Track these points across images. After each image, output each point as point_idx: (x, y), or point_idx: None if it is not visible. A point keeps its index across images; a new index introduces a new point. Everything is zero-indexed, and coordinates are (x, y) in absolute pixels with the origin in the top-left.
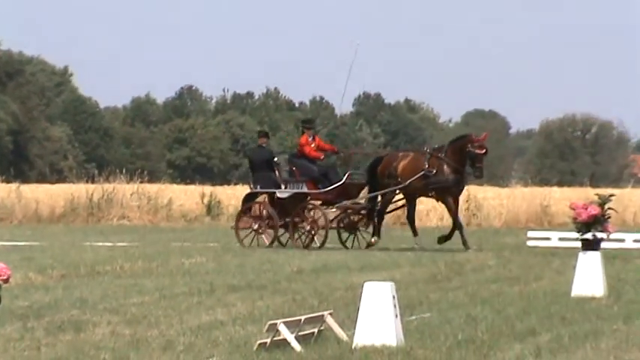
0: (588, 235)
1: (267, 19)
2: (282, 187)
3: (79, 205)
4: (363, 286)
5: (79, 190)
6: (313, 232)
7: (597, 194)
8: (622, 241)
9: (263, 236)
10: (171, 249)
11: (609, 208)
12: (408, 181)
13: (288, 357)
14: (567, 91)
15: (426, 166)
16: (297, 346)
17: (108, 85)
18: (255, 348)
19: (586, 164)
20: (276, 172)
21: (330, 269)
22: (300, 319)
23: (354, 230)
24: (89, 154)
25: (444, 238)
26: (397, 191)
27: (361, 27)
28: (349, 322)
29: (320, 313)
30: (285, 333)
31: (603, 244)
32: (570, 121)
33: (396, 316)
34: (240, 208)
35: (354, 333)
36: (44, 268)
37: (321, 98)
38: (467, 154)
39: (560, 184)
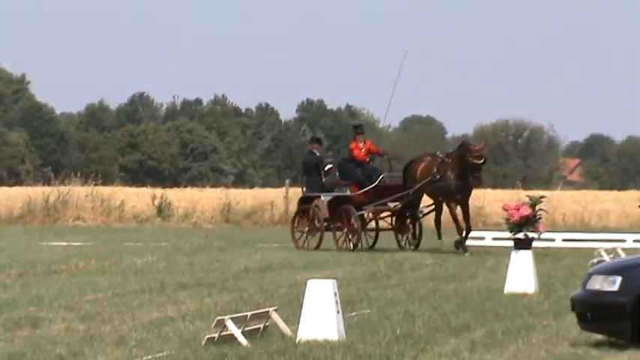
0: (520, 235)
1: (213, 27)
2: (329, 190)
3: (36, 206)
4: (306, 284)
5: (35, 193)
6: (350, 236)
7: (529, 196)
8: (552, 240)
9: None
10: (123, 248)
11: (540, 209)
12: (418, 185)
13: (235, 351)
14: (500, 97)
15: (435, 170)
16: (243, 341)
17: (63, 92)
18: (203, 343)
19: (518, 167)
20: (322, 177)
21: (275, 268)
22: (247, 315)
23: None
24: (45, 158)
25: (459, 243)
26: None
27: (303, 34)
28: (293, 317)
29: (265, 310)
30: (233, 328)
31: (534, 244)
32: (503, 126)
33: (338, 312)
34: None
35: (297, 328)
36: (2, 267)
37: (267, 105)
38: (466, 163)
39: (494, 186)
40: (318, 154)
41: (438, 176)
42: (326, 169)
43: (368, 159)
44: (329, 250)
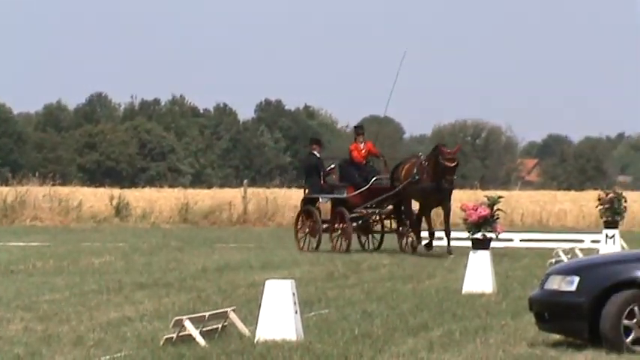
0: (478, 235)
1: (171, 27)
2: (328, 192)
3: None
4: (264, 284)
5: None
6: (343, 238)
7: (487, 196)
8: (510, 240)
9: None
10: (81, 249)
11: (498, 210)
12: (400, 186)
13: (194, 351)
14: (459, 98)
15: (414, 172)
16: (201, 341)
17: (21, 92)
18: (161, 343)
19: (476, 168)
20: (321, 179)
21: (233, 268)
22: (205, 316)
23: (367, 233)
24: (3, 159)
25: (426, 246)
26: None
27: (261, 34)
28: (251, 318)
29: (223, 310)
30: (191, 328)
31: (492, 244)
32: (461, 126)
33: (296, 312)
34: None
35: (255, 328)
36: None
37: (225, 105)
38: (439, 166)
39: None
40: (318, 155)
41: (417, 177)
42: (327, 169)
43: (365, 161)
44: (287, 250)
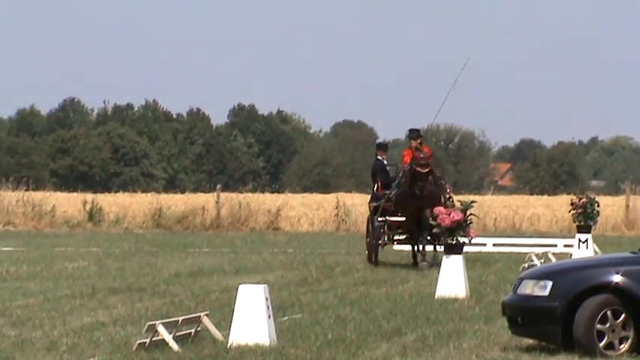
0: (451, 240)
1: (144, 31)
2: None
3: None
4: (237, 289)
5: None
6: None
7: (460, 201)
8: (483, 245)
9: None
10: (54, 253)
11: (471, 214)
12: (392, 193)
13: (167, 356)
14: (431, 103)
15: (400, 176)
16: (175, 346)
17: None
18: (134, 348)
19: (449, 172)
20: (376, 185)
21: (207, 272)
22: (178, 320)
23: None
24: None
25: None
26: None
27: (234, 38)
28: (225, 322)
29: (197, 315)
30: (164, 333)
31: (465, 248)
32: (434, 131)
33: (269, 317)
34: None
35: (229, 333)
36: None
37: (198, 110)
38: (413, 171)
39: None
40: (385, 161)
41: (400, 182)
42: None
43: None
44: (260, 254)
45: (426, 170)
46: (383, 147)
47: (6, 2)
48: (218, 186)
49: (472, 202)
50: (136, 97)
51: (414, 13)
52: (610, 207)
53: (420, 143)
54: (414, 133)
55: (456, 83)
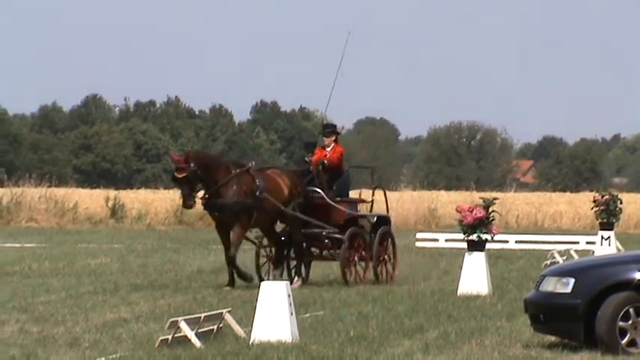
0: (474, 237)
1: (166, 28)
2: None
3: None
4: (259, 286)
5: None
6: None
7: (482, 198)
8: (505, 242)
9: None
10: (77, 250)
11: (493, 211)
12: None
13: (189, 353)
14: (454, 100)
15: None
16: (197, 343)
17: (16, 93)
18: (157, 344)
19: (471, 169)
20: None
21: None
22: (200, 317)
23: None
24: None
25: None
26: None
27: (258, 35)
28: (247, 319)
29: (219, 311)
30: (186, 330)
31: (488, 245)
32: (456, 128)
33: (291, 313)
34: None
35: (251, 330)
36: None
37: (221, 106)
38: None
39: (447, 188)
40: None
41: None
42: None
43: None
44: None
45: (180, 176)
46: (311, 147)
47: (28, 0)
48: None
49: (494, 199)
50: (158, 93)
51: (432, 8)
52: (632, 204)
53: (336, 141)
54: (326, 129)
55: (341, 67)
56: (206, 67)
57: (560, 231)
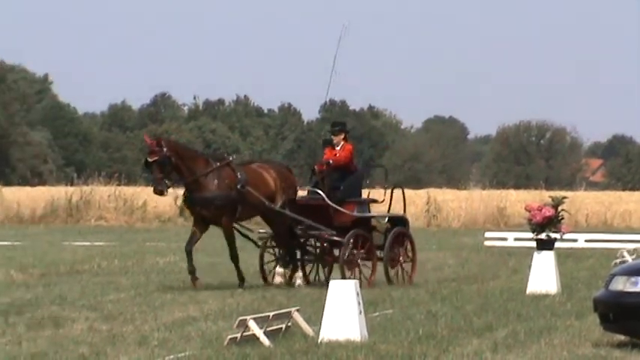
0: (543, 236)
1: (236, 27)
2: None
3: (59, 206)
4: (328, 284)
5: (58, 193)
6: None
7: (551, 197)
8: (575, 241)
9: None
10: (146, 248)
11: (562, 210)
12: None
13: (258, 351)
14: (523, 98)
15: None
16: (265, 341)
17: (86, 92)
18: (225, 343)
19: (540, 168)
20: None
21: None
22: (269, 316)
23: None
24: (68, 158)
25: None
26: None
27: (326, 34)
28: (315, 318)
29: (288, 310)
30: (255, 328)
31: (557, 244)
32: (526, 127)
33: (360, 312)
34: None
35: (319, 328)
36: (25, 266)
37: (289, 105)
38: None
39: (517, 187)
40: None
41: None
42: None
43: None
44: None
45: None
46: (328, 144)
47: (99, 0)
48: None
49: (564, 197)
50: (226, 92)
51: (504, 5)
52: None
53: (345, 139)
54: (335, 127)
55: (336, 54)
56: (275, 66)
57: (630, 230)
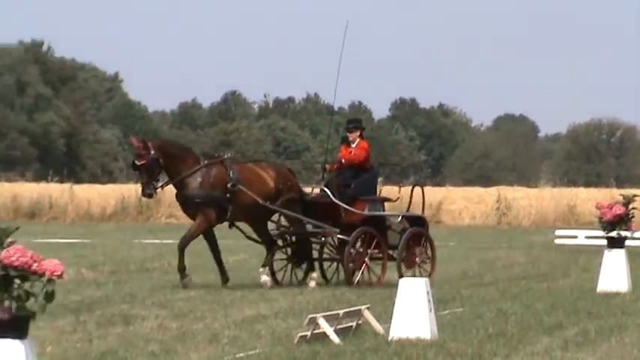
0: (613, 234)
1: (306, 26)
2: None
3: (129, 204)
4: (398, 282)
5: (128, 190)
6: None
7: (622, 194)
8: None
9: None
10: None
11: (633, 208)
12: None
13: (328, 349)
14: (594, 96)
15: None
16: (336, 339)
17: (156, 90)
18: (296, 341)
19: (611, 166)
20: None
21: None
22: (339, 313)
23: None
24: None
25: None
26: None
27: (397, 32)
28: (386, 316)
29: (358, 308)
30: (325, 326)
31: (627, 242)
32: (596, 125)
33: (430, 310)
34: None
35: (390, 326)
36: (95, 264)
37: (360, 103)
38: None
39: (587, 185)
40: None
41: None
42: None
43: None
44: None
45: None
46: (345, 141)
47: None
48: (380, 179)
49: (634, 195)
50: (296, 90)
51: (575, 6)
52: None
53: (361, 136)
54: (350, 124)
55: (342, 51)
56: (345, 64)
57: None
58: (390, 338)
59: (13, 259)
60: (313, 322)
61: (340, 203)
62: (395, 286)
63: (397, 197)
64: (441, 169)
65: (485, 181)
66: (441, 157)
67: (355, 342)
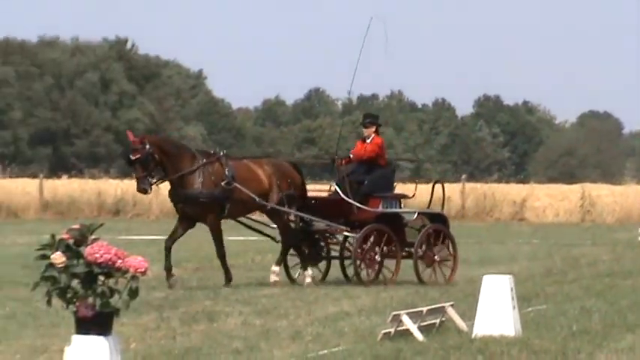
0: None
1: (391, 24)
2: None
3: None
4: (482, 279)
5: None
6: None
7: None
8: None
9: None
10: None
11: None
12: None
13: (411, 346)
14: None
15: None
16: (419, 336)
17: (240, 87)
18: (379, 338)
19: None
20: None
21: None
22: (423, 311)
23: None
24: None
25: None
26: None
27: (482, 28)
28: (469, 313)
29: (441, 305)
30: (408, 323)
31: None
32: None
33: (514, 307)
34: None
35: (473, 324)
36: (179, 261)
37: (443, 100)
38: None
39: None
40: None
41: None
42: None
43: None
44: (504, 245)
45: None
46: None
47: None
48: (463, 176)
49: None
50: (381, 87)
51: None
52: None
53: (376, 132)
54: (366, 120)
55: (362, 47)
56: (428, 61)
57: None
58: (473, 335)
59: (97, 255)
60: (397, 320)
61: (351, 200)
62: (478, 283)
63: (414, 194)
64: (525, 167)
65: (570, 178)
66: (525, 154)
67: (439, 339)
